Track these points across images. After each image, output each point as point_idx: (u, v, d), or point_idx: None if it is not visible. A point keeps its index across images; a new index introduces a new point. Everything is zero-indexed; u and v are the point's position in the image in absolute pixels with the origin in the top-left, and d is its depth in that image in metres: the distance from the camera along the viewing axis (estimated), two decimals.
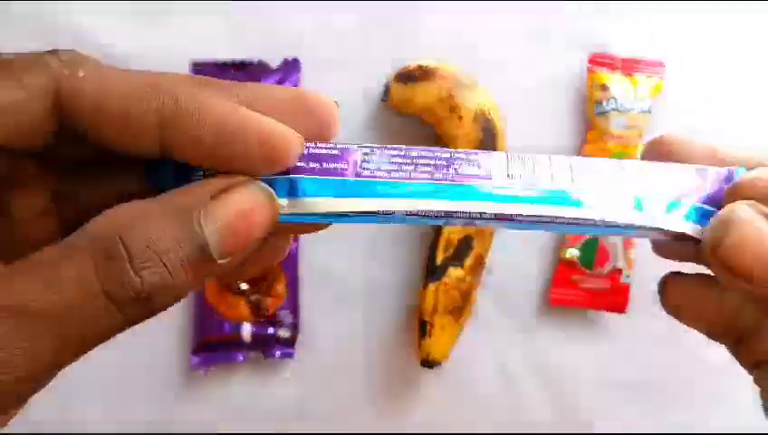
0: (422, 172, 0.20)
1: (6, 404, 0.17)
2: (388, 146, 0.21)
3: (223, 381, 0.48)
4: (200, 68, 0.45)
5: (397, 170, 0.20)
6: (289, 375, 0.48)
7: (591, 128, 0.48)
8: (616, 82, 0.48)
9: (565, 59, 0.49)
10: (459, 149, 0.21)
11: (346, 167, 0.20)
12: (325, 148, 0.21)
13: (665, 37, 0.49)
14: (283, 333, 0.47)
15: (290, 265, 0.47)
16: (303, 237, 0.48)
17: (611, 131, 0.47)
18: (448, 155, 0.21)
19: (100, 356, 0.49)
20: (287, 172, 0.19)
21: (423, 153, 0.21)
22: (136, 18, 0.46)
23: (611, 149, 0.47)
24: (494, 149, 0.45)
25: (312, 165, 0.20)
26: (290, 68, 0.47)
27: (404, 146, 0.21)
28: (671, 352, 0.49)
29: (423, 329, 0.46)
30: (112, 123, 0.17)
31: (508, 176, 0.21)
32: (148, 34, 0.46)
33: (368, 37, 0.48)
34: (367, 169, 0.20)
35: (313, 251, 0.48)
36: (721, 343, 0.23)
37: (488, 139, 0.45)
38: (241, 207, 0.17)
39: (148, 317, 0.17)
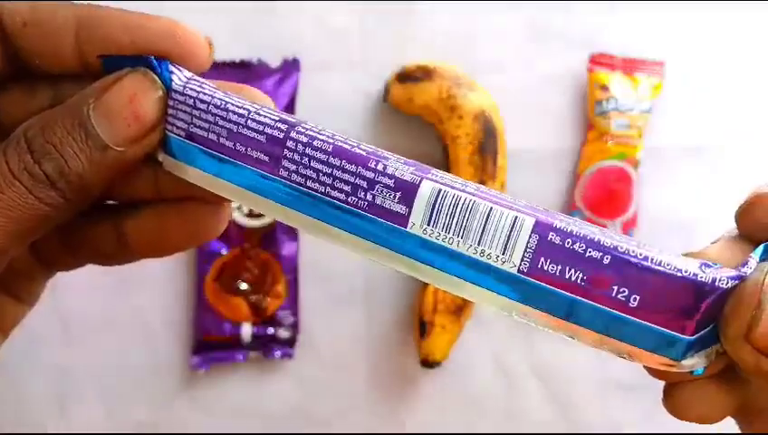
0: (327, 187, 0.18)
1: None
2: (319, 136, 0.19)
3: (223, 381, 0.48)
4: None
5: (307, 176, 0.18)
6: (289, 375, 0.48)
7: (591, 128, 0.48)
8: (616, 82, 0.48)
9: (565, 59, 0.49)
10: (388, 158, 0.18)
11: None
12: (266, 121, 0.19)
13: (665, 37, 0.49)
14: (283, 333, 0.47)
15: (290, 266, 0.47)
16: (304, 238, 0.48)
17: (611, 131, 0.47)
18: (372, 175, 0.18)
19: (100, 356, 0.50)
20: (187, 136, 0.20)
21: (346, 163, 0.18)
22: None
23: (611, 149, 0.47)
24: (495, 149, 0.45)
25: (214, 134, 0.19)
26: (290, 68, 0.47)
27: (338, 143, 0.18)
28: None
29: (423, 329, 0.46)
30: (37, 35, 0.20)
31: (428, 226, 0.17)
32: None
33: (368, 37, 0.48)
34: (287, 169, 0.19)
35: (313, 251, 0.48)
36: (740, 423, 0.21)
37: (488, 139, 0.45)
38: (124, 92, 0.19)
39: (65, 202, 0.19)
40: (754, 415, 0.20)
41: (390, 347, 0.49)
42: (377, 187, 0.18)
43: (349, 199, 0.18)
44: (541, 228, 0.16)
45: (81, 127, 0.19)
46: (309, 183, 0.18)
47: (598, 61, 0.48)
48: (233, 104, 0.19)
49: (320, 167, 0.18)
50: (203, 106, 0.19)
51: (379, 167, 0.18)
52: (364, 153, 0.18)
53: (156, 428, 0.47)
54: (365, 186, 0.18)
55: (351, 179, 0.18)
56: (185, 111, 0.19)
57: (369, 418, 0.49)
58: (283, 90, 0.46)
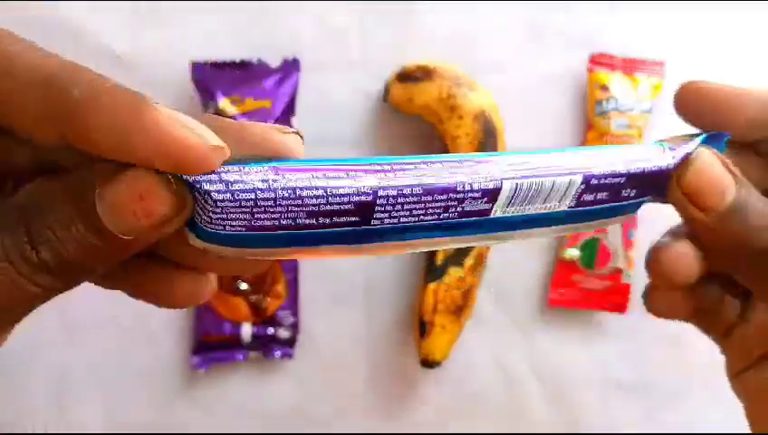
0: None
1: None
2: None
3: (223, 381, 0.48)
4: (200, 68, 0.45)
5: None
6: (289, 375, 0.48)
7: (591, 128, 0.48)
8: (616, 82, 0.48)
9: (565, 59, 0.49)
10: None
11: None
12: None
13: (665, 37, 0.49)
14: (283, 333, 0.47)
15: (290, 266, 0.47)
16: None
17: (611, 131, 0.47)
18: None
19: (100, 356, 0.49)
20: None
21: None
22: (136, 18, 0.46)
23: None
24: (494, 149, 0.45)
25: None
26: (290, 68, 0.47)
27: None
28: (670, 352, 0.49)
29: (423, 329, 0.46)
30: (11, 113, 0.17)
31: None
32: (148, 34, 0.46)
33: (368, 37, 0.48)
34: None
35: None
36: (688, 322, 0.26)
37: (488, 139, 0.45)
38: (134, 186, 0.17)
39: (66, 287, 0.18)
40: (705, 313, 0.26)
41: (390, 347, 0.49)
42: (466, 201, 0.20)
43: (441, 216, 0.20)
44: (585, 179, 0.21)
45: (83, 216, 0.18)
46: (402, 220, 0.20)
47: (598, 61, 0.48)
48: (304, 188, 0.18)
49: (412, 207, 0.19)
50: (267, 203, 0.18)
51: (467, 187, 0.20)
52: (451, 181, 0.19)
53: (156, 428, 0.47)
54: (455, 204, 0.20)
55: (442, 204, 0.20)
56: (239, 211, 0.18)
57: (368, 418, 0.49)
58: (283, 90, 0.46)
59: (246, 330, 0.47)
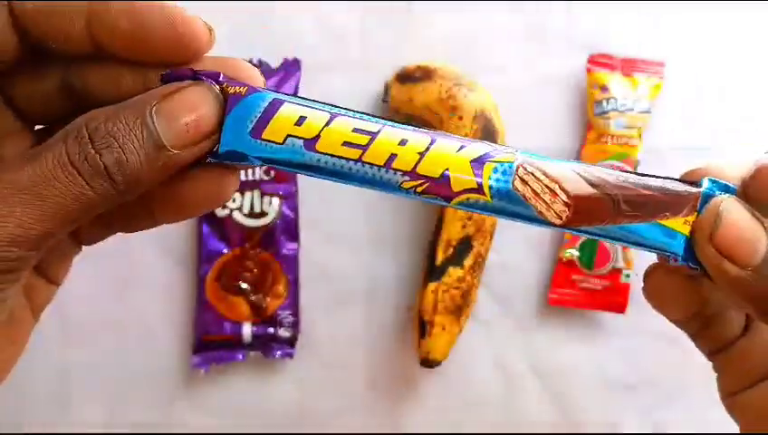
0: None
1: (11, 266, 0.19)
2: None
3: (223, 382, 0.48)
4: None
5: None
6: (289, 375, 0.48)
7: (591, 128, 0.48)
8: (616, 83, 0.48)
9: (565, 59, 0.49)
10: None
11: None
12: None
13: (665, 37, 0.49)
14: (283, 333, 0.47)
15: (290, 265, 0.47)
16: (304, 237, 0.48)
17: (611, 131, 0.47)
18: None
19: (100, 356, 0.49)
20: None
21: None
22: None
23: (611, 149, 0.47)
24: None
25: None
26: (290, 68, 0.47)
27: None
28: (670, 351, 0.49)
29: (423, 329, 0.46)
30: (49, 19, 0.20)
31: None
32: None
33: (368, 37, 0.48)
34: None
35: (313, 251, 0.48)
36: (684, 329, 0.25)
37: (488, 138, 0.45)
38: (187, 99, 0.20)
39: (116, 195, 0.20)
40: (703, 324, 0.24)
41: (390, 347, 0.49)
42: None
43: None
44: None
45: (143, 125, 0.19)
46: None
47: (597, 61, 0.48)
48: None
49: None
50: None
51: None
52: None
53: (156, 428, 0.47)
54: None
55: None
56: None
57: (368, 418, 0.49)
58: (283, 90, 0.46)
59: (246, 329, 0.47)
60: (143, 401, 0.47)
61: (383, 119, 0.21)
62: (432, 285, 0.45)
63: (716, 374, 0.26)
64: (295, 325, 0.47)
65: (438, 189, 0.20)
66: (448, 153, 0.20)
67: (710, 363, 0.26)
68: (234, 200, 0.47)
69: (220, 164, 0.21)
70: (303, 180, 0.48)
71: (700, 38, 0.49)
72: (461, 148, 0.21)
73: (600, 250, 0.48)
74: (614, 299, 0.48)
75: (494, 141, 0.45)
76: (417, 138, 0.21)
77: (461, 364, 0.49)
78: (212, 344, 0.47)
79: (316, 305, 0.48)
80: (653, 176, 0.21)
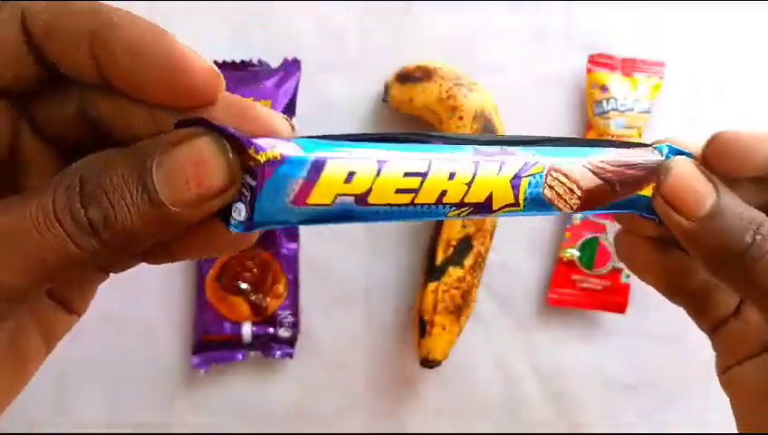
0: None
1: None
2: None
3: (223, 382, 0.48)
4: None
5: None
6: (289, 375, 0.48)
7: (591, 128, 0.48)
8: (616, 82, 0.48)
9: (565, 59, 0.49)
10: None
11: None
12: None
13: (665, 37, 0.49)
14: (283, 333, 0.47)
15: (290, 265, 0.47)
16: (304, 237, 0.48)
17: (611, 131, 0.47)
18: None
19: (100, 356, 0.49)
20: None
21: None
22: None
23: None
24: None
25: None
26: (290, 68, 0.47)
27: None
28: (670, 352, 0.49)
29: (423, 329, 0.46)
30: (52, 40, 0.19)
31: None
32: None
33: (368, 37, 0.48)
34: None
35: (313, 251, 0.48)
36: (680, 305, 0.26)
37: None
38: (191, 153, 0.18)
39: (106, 251, 0.18)
40: (694, 299, 0.26)
41: (390, 347, 0.49)
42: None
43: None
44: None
45: (139, 179, 0.18)
46: None
47: (597, 61, 0.48)
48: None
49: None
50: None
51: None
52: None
53: (156, 428, 0.47)
54: None
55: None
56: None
57: (368, 418, 0.49)
58: (283, 90, 0.46)
59: (246, 329, 0.47)
60: (143, 401, 0.47)
61: (422, 141, 0.20)
62: (432, 285, 0.45)
63: (715, 353, 0.27)
64: (295, 325, 0.47)
65: (481, 210, 0.21)
66: (491, 177, 0.21)
67: (710, 363, 0.27)
68: None
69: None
70: None
71: (700, 38, 0.49)
72: (501, 167, 0.21)
73: (600, 250, 0.48)
74: (614, 299, 0.48)
75: None
76: (462, 166, 0.20)
77: (461, 364, 0.49)
78: (212, 344, 0.47)
79: (316, 305, 0.48)
80: (632, 146, 0.24)
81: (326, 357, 0.48)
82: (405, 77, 0.46)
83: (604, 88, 0.47)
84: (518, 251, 0.49)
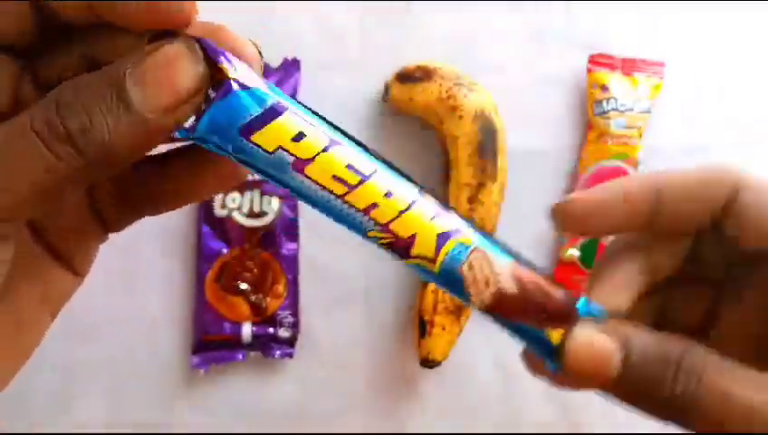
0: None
1: None
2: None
3: (223, 382, 0.48)
4: None
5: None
6: (289, 375, 0.48)
7: (591, 128, 0.48)
8: (616, 82, 0.48)
9: (565, 59, 0.49)
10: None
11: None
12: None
13: (665, 37, 0.49)
14: (283, 333, 0.47)
15: (290, 265, 0.47)
16: (304, 237, 0.48)
17: (611, 131, 0.47)
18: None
19: (100, 356, 0.49)
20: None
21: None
22: None
23: (611, 149, 0.47)
24: (494, 150, 0.45)
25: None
26: (289, 68, 0.47)
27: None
28: None
29: (423, 329, 0.46)
30: None
31: None
32: None
33: (367, 37, 0.48)
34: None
35: (313, 251, 0.48)
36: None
37: (488, 139, 0.45)
38: (161, 58, 0.19)
39: (86, 164, 0.18)
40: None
41: (390, 347, 0.49)
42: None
43: None
44: None
45: (113, 88, 0.18)
46: None
47: (597, 61, 0.48)
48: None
49: None
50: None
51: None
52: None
53: (156, 428, 0.47)
54: None
55: None
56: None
57: (368, 418, 0.49)
58: (283, 90, 0.46)
59: (246, 330, 0.47)
60: (143, 401, 0.47)
61: (379, 159, 0.21)
62: (432, 285, 0.45)
63: None
64: (295, 325, 0.47)
65: (399, 248, 0.21)
66: (422, 219, 0.20)
67: None
68: (233, 200, 0.47)
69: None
70: None
71: (700, 38, 0.49)
72: (434, 217, 0.21)
73: (600, 250, 0.48)
74: None
75: (495, 141, 0.45)
76: (403, 193, 0.20)
77: (461, 364, 0.49)
78: (212, 344, 0.47)
79: (316, 305, 0.48)
80: (558, 286, 0.22)
81: (326, 357, 0.48)
82: (405, 77, 0.46)
83: (604, 88, 0.47)
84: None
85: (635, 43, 0.49)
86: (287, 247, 0.47)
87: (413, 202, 0.20)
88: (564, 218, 0.24)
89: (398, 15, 0.48)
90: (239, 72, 0.19)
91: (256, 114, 0.19)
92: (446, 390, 0.49)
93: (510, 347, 0.53)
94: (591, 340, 0.21)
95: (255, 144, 0.19)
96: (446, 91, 0.45)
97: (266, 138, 0.19)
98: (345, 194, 0.20)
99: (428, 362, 0.46)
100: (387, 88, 0.46)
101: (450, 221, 0.21)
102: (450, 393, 0.49)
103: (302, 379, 0.48)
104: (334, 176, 0.20)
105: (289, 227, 0.47)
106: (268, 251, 0.47)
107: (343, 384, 0.49)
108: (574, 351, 0.21)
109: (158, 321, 0.48)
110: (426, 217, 0.20)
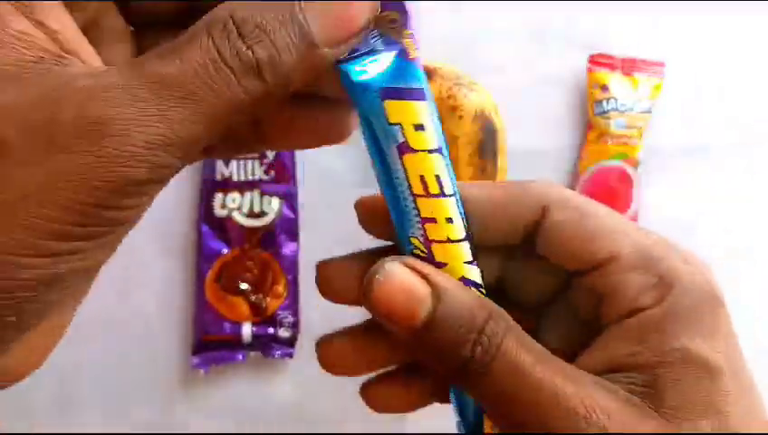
0: None
1: (130, 172, 0.16)
2: None
3: (223, 382, 0.48)
4: None
5: None
6: (289, 375, 0.48)
7: (591, 128, 0.48)
8: (616, 82, 0.48)
9: (565, 59, 0.49)
10: None
11: None
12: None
13: (665, 37, 0.49)
14: (283, 333, 0.47)
15: (290, 266, 0.47)
16: (304, 238, 0.48)
17: (611, 131, 0.47)
18: None
19: (100, 356, 0.49)
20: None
21: None
22: None
23: (611, 149, 0.47)
24: (494, 150, 0.45)
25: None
26: None
27: None
28: None
29: None
30: None
31: None
32: None
33: None
34: None
35: (313, 251, 0.48)
36: None
37: (488, 138, 0.45)
38: None
39: (263, 97, 0.18)
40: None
41: None
42: None
43: None
44: None
45: (293, 19, 0.17)
46: None
47: (597, 61, 0.48)
48: None
49: None
50: None
51: None
52: None
53: (156, 428, 0.47)
54: None
55: None
56: None
57: (368, 418, 0.49)
58: None
59: (246, 330, 0.47)
60: (143, 401, 0.47)
61: (457, 192, 0.21)
62: None
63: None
64: (295, 325, 0.47)
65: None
66: (460, 257, 0.21)
67: None
68: (233, 200, 0.47)
69: (339, 102, 0.21)
70: (303, 180, 0.48)
71: (700, 38, 0.49)
72: (468, 262, 0.21)
73: None
74: None
75: (495, 141, 0.45)
76: (459, 227, 0.21)
77: None
78: (212, 345, 0.47)
79: (316, 305, 0.48)
80: None
81: None
82: None
83: (604, 88, 0.47)
84: None
85: (635, 43, 0.49)
86: (287, 247, 0.47)
87: (462, 239, 0.21)
88: (362, 216, 0.23)
89: None
90: (417, 48, 0.20)
91: (405, 87, 0.20)
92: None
93: None
94: (407, 279, 0.20)
95: (384, 108, 0.20)
96: (446, 91, 0.45)
97: (397, 109, 0.20)
98: (419, 196, 0.20)
99: None
100: None
101: (475, 274, 0.21)
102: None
103: (302, 379, 0.48)
104: (422, 176, 0.20)
105: (289, 228, 0.47)
106: (268, 251, 0.47)
107: (343, 384, 0.49)
108: (388, 283, 0.20)
109: (158, 321, 0.48)
110: (464, 257, 0.21)
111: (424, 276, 0.20)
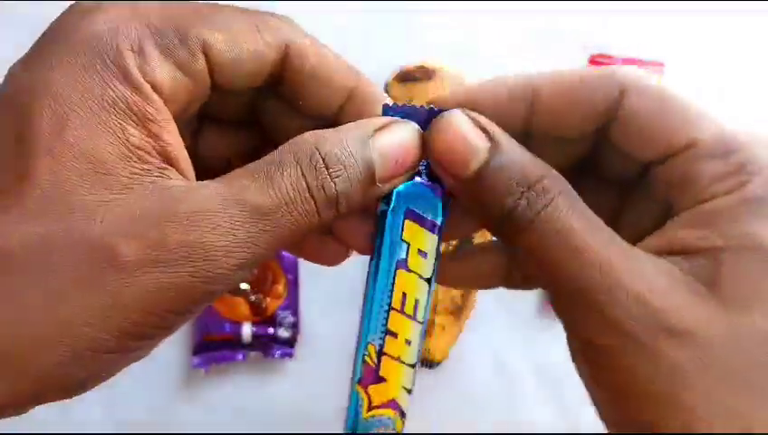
0: None
1: (215, 289, 0.19)
2: None
3: (223, 381, 0.48)
4: None
5: None
6: (289, 375, 0.48)
7: None
8: None
9: (565, 59, 0.49)
10: None
11: None
12: None
13: (665, 38, 0.49)
14: (283, 333, 0.47)
15: (290, 266, 0.47)
16: None
17: None
18: None
19: None
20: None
21: None
22: None
23: None
24: None
25: None
26: None
27: None
28: None
29: None
30: (313, 85, 0.23)
31: None
32: None
33: (368, 37, 0.48)
34: None
35: None
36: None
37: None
38: (401, 137, 0.20)
39: (327, 224, 0.20)
40: (518, 281, 0.24)
41: None
42: None
43: None
44: None
45: (364, 157, 0.20)
46: None
47: (597, 62, 0.48)
48: None
49: None
50: None
51: None
52: None
53: (156, 428, 0.47)
54: None
55: None
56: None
57: None
58: None
59: (246, 330, 0.47)
60: (143, 401, 0.47)
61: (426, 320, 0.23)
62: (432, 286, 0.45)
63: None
64: (295, 325, 0.47)
65: (368, 376, 0.25)
66: (401, 379, 0.24)
67: None
68: None
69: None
70: None
71: (700, 39, 0.49)
72: (407, 388, 0.25)
73: None
74: None
75: None
76: (414, 352, 0.24)
77: (461, 364, 0.49)
78: (212, 344, 0.47)
79: (316, 306, 0.48)
80: None
81: (326, 357, 0.48)
82: (405, 77, 0.46)
83: None
84: None
85: (635, 43, 0.49)
86: None
87: (411, 365, 0.24)
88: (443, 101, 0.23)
89: (398, 15, 0.48)
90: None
91: (432, 220, 0.22)
92: (446, 390, 0.49)
93: (510, 347, 0.53)
94: (464, 125, 0.20)
95: (401, 226, 0.22)
96: (447, 91, 0.45)
97: (410, 233, 0.22)
98: (394, 309, 0.22)
99: (428, 362, 0.46)
100: (387, 88, 0.46)
101: (406, 403, 0.24)
102: (450, 393, 0.49)
103: (302, 379, 0.48)
104: (404, 294, 0.22)
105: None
106: None
107: (343, 384, 0.49)
108: (445, 131, 0.20)
109: None
110: (405, 382, 0.24)
111: (484, 129, 0.20)
